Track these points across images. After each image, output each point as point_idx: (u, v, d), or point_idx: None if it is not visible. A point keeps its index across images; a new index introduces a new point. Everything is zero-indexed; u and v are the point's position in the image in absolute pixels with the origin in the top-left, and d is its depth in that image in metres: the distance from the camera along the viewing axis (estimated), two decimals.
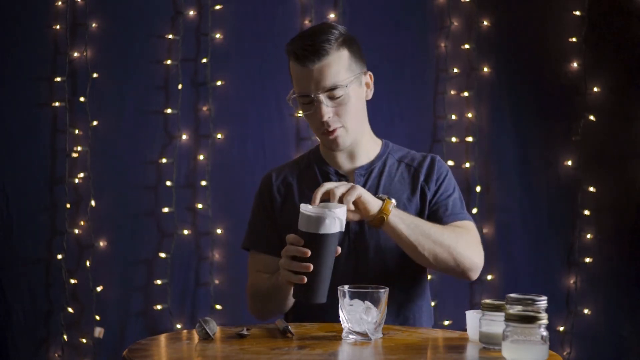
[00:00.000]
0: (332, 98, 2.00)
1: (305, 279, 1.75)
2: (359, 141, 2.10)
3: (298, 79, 2.02)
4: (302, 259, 1.76)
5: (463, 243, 1.99)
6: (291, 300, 2.03)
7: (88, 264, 3.27)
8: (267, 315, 2.11)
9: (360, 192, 1.86)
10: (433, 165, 2.13)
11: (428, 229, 1.95)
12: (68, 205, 3.27)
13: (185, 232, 3.33)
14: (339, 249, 1.81)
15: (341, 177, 2.11)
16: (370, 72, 2.11)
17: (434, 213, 2.08)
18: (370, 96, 2.11)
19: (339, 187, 1.85)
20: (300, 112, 2.06)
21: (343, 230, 1.78)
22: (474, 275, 2.01)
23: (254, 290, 2.11)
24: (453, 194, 2.11)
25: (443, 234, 1.97)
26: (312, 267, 1.75)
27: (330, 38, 2.00)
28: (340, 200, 1.84)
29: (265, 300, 2.06)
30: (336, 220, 1.75)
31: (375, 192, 2.06)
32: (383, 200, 1.91)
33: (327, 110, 2.00)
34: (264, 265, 2.12)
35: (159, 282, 3.30)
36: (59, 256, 3.25)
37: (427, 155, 2.16)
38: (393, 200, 1.92)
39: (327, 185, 1.85)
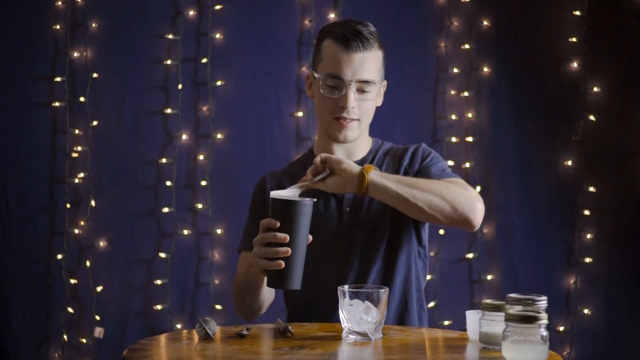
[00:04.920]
0: (360, 91, 2.02)
1: (284, 264, 1.75)
2: (359, 139, 2.12)
3: (334, 60, 2.01)
4: (278, 245, 1.75)
5: (455, 189, 1.95)
6: (267, 293, 2.02)
7: (88, 264, 3.27)
8: (248, 312, 2.09)
9: (337, 158, 1.90)
10: (417, 150, 2.14)
11: (415, 181, 1.94)
12: (68, 205, 3.27)
13: (185, 232, 3.33)
14: (310, 237, 1.81)
15: None
16: (385, 82, 2.14)
17: (414, 174, 2.08)
18: (380, 104, 2.13)
19: (314, 166, 1.90)
20: (320, 91, 2.03)
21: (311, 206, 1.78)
22: (476, 218, 1.94)
23: (236, 287, 2.11)
24: (438, 163, 2.10)
25: (430, 183, 1.94)
26: (290, 251, 1.75)
27: (374, 34, 2.04)
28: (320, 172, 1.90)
29: (242, 295, 2.05)
30: (306, 200, 1.77)
31: None
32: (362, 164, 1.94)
33: (354, 100, 2.01)
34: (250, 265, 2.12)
35: (159, 282, 3.30)
36: (59, 256, 3.25)
37: (411, 145, 2.17)
38: (374, 166, 1.93)
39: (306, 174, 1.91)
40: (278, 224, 1.76)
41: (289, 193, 1.82)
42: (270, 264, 1.76)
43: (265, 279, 1.82)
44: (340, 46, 2.01)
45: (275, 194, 1.80)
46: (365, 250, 2.05)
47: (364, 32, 2.01)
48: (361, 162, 2.12)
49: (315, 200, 1.80)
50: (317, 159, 1.91)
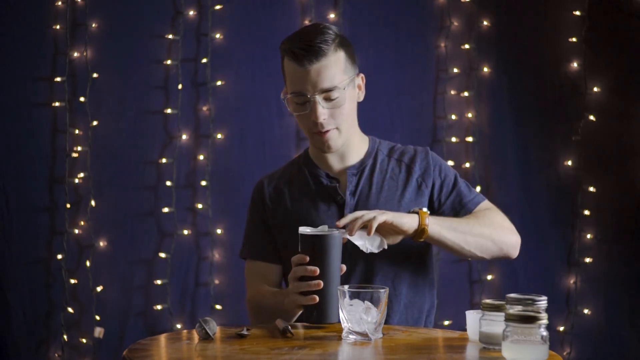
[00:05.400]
0: (327, 99, 1.99)
1: (318, 298, 1.76)
2: (350, 141, 2.10)
3: (294, 79, 1.99)
4: (310, 278, 1.76)
5: (498, 226, 2.05)
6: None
7: (88, 264, 3.27)
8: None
9: (387, 217, 1.88)
10: (426, 159, 2.13)
11: (465, 226, 2.00)
12: (68, 205, 3.27)
13: (185, 232, 3.33)
14: (344, 267, 1.81)
15: (332, 179, 2.10)
16: (362, 74, 2.10)
17: (450, 207, 2.09)
18: (361, 98, 2.10)
19: (364, 216, 1.86)
20: (293, 112, 2.03)
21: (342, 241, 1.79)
22: (516, 253, 2.09)
23: (256, 305, 2.09)
24: (457, 182, 2.12)
25: (479, 225, 2.02)
26: (322, 284, 1.76)
27: (327, 39, 1.98)
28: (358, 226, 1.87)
29: (270, 317, 1.99)
30: (334, 231, 1.78)
31: (369, 189, 2.07)
32: (417, 212, 1.94)
33: (323, 112, 1.98)
34: (262, 275, 2.12)
35: (159, 282, 3.30)
36: (59, 256, 3.25)
37: (418, 149, 2.15)
38: (426, 210, 1.95)
39: (351, 216, 1.87)
40: (308, 259, 1.77)
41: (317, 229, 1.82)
42: (305, 299, 1.78)
43: (302, 312, 1.83)
44: (295, 63, 1.98)
45: (303, 230, 1.79)
46: (366, 258, 2.04)
47: (314, 43, 1.96)
48: (360, 166, 2.10)
49: (344, 231, 1.81)
50: (341, 223, 1.86)
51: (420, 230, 1.92)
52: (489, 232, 2.02)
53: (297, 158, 2.23)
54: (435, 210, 2.09)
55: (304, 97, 1.99)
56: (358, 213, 1.88)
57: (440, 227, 1.95)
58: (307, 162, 2.15)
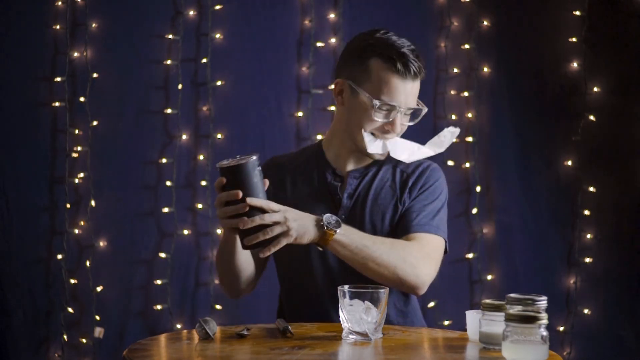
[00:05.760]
0: (404, 115, 2.06)
1: (247, 220, 1.79)
2: None
3: (390, 88, 2.01)
4: (235, 202, 1.80)
5: (411, 261, 1.96)
6: (244, 263, 2.02)
7: (88, 264, 3.27)
8: (229, 285, 2.08)
9: (289, 239, 1.85)
10: (424, 172, 2.12)
11: (374, 252, 1.93)
12: (68, 205, 3.27)
13: (185, 232, 3.33)
14: (267, 181, 1.85)
15: (337, 176, 2.11)
16: None
17: (402, 217, 2.06)
18: None
19: (273, 229, 1.83)
20: (370, 113, 2.02)
21: (257, 161, 1.81)
22: (420, 292, 2.02)
23: (215, 259, 2.13)
24: (431, 204, 2.08)
25: (390, 254, 1.94)
26: (247, 207, 1.79)
27: (423, 63, 2.05)
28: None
29: (221, 263, 2.05)
30: (251, 158, 1.81)
31: (365, 196, 2.07)
32: (325, 228, 1.88)
33: (403, 127, 2.06)
34: None
35: (159, 282, 3.30)
36: (59, 256, 3.25)
37: (424, 163, 2.14)
38: (339, 230, 1.89)
39: (258, 220, 1.83)
40: (225, 180, 1.80)
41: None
42: (234, 221, 1.81)
43: (238, 241, 1.87)
44: (396, 75, 2.01)
45: (220, 164, 1.83)
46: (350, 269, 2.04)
47: (420, 62, 2.03)
48: (364, 170, 2.10)
49: (257, 155, 1.82)
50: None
51: (321, 243, 1.91)
52: (396, 263, 1.93)
53: (307, 149, 2.24)
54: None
55: (391, 106, 2.02)
56: (270, 217, 1.83)
57: (341, 247, 1.91)
58: (318, 155, 2.15)
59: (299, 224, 1.86)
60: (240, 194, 1.79)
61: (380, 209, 2.07)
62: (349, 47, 2.10)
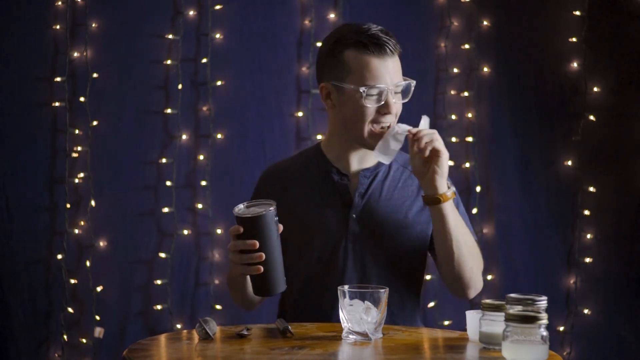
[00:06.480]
0: (395, 93, 2.02)
1: (262, 269, 1.78)
2: None
3: (371, 71, 1.99)
4: (252, 251, 1.78)
5: (478, 265, 2.04)
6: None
7: (88, 264, 3.27)
8: (243, 303, 2.11)
9: (443, 157, 1.90)
10: None
11: (464, 235, 1.99)
12: (68, 205, 3.27)
13: (185, 232, 3.33)
14: (281, 226, 1.83)
15: (343, 176, 2.09)
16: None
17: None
18: None
19: (428, 135, 1.90)
20: (361, 103, 2.00)
21: (274, 211, 1.80)
22: (472, 295, 2.05)
23: (227, 280, 2.13)
24: (459, 208, 2.09)
25: (472, 249, 2.01)
26: (264, 256, 1.78)
27: (393, 38, 2.04)
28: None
29: (233, 289, 2.08)
30: (266, 206, 1.80)
31: (379, 196, 2.06)
32: (449, 188, 1.94)
33: (396, 105, 2.02)
34: None
35: (159, 282, 3.30)
36: (59, 256, 3.25)
37: None
38: (455, 192, 1.96)
39: (427, 137, 1.90)
40: (242, 230, 1.78)
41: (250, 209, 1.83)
42: (249, 269, 1.80)
43: (250, 286, 1.87)
44: (372, 56, 1.99)
45: (237, 211, 1.80)
46: (368, 260, 2.04)
47: (391, 36, 2.02)
48: (375, 169, 2.09)
49: (275, 205, 1.80)
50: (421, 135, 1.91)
51: (437, 198, 1.92)
52: (473, 261, 2.00)
53: (305, 152, 2.22)
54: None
55: (378, 88, 1.99)
56: (429, 136, 1.90)
57: (452, 211, 1.94)
58: (319, 157, 2.13)
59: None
60: (257, 244, 1.78)
61: (394, 210, 2.06)
62: (320, 51, 2.09)
